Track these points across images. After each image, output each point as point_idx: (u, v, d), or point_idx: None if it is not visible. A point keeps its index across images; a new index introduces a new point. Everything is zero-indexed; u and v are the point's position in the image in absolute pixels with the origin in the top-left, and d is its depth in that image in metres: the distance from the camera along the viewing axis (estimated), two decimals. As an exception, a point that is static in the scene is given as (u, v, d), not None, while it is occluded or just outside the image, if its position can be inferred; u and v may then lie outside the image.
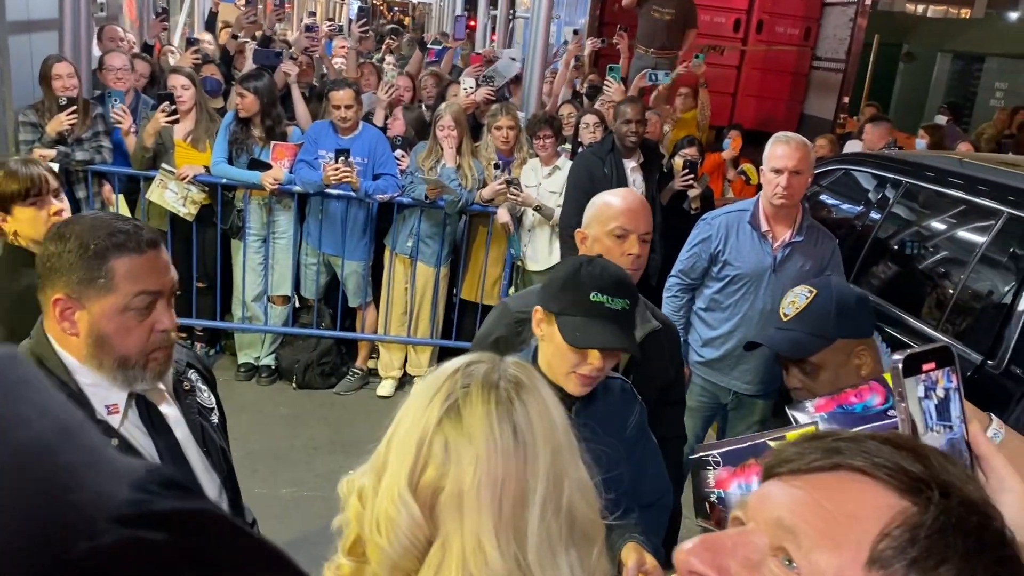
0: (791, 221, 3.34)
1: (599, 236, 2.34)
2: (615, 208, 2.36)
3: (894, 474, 0.65)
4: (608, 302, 1.75)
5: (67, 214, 2.40)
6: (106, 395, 1.58)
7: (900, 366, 0.81)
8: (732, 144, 6.28)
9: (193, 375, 1.82)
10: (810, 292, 2.03)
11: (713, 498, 1.45)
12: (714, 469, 1.46)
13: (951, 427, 0.84)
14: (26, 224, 2.39)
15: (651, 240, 2.42)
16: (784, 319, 2.05)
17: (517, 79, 6.51)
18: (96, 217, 1.63)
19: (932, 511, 0.62)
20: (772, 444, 1.42)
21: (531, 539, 0.97)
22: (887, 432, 0.71)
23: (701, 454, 1.49)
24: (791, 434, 1.43)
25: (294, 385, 5.15)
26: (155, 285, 1.58)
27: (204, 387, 1.85)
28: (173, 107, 4.66)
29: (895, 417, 1.36)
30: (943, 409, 0.83)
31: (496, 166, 4.89)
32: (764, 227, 3.35)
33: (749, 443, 1.49)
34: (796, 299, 2.04)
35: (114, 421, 1.58)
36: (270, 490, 3.97)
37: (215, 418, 1.83)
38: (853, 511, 0.64)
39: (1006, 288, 3.10)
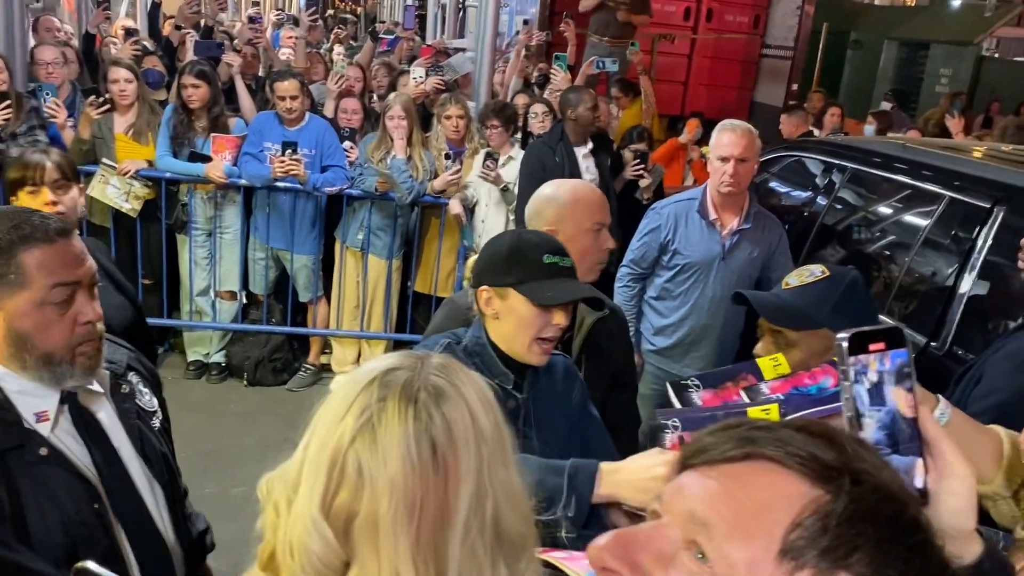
0: (739, 209, 3.38)
1: (575, 234, 2.24)
2: (594, 203, 2.32)
3: (806, 462, 0.64)
4: (561, 261, 1.77)
5: (62, 208, 2.37)
6: (35, 402, 1.52)
7: (845, 344, 0.81)
8: (688, 128, 6.29)
9: (134, 378, 1.76)
10: (823, 272, 1.94)
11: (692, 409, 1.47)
12: (671, 432, 1.48)
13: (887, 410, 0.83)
14: None
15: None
16: (784, 287, 1.97)
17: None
18: (8, 211, 1.56)
19: (843, 499, 0.61)
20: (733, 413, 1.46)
21: (452, 562, 0.92)
22: (803, 420, 0.70)
23: (661, 420, 1.51)
24: (753, 410, 1.46)
25: (245, 382, 5.07)
26: (71, 275, 1.51)
27: (146, 389, 1.79)
28: (101, 99, 4.56)
29: None
30: (875, 393, 0.82)
31: (447, 156, 4.85)
32: (712, 215, 3.38)
33: (708, 412, 1.51)
34: (804, 273, 1.96)
35: (44, 429, 1.52)
36: (221, 489, 3.90)
37: (156, 422, 1.77)
38: (765, 501, 0.62)
39: (948, 271, 3.14)
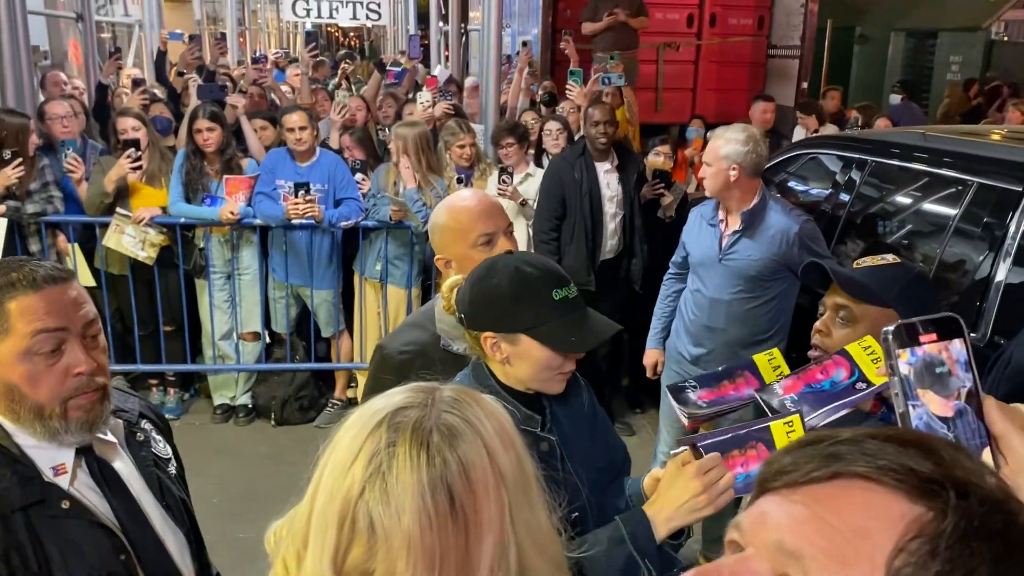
0: (743, 211, 3.36)
1: (465, 254, 2.00)
2: (474, 214, 2.02)
3: (902, 477, 0.57)
4: (570, 293, 1.59)
5: None
6: (52, 456, 1.48)
7: (890, 336, 0.77)
8: (694, 145, 6.21)
9: (147, 425, 1.72)
10: (894, 259, 2.00)
11: (696, 405, 1.50)
12: (693, 390, 1.53)
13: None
14: None
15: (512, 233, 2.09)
16: (855, 266, 2.00)
17: (475, 88, 6.49)
18: (4, 260, 1.52)
19: (951, 516, 0.55)
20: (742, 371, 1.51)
21: None
22: (889, 429, 0.63)
23: (677, 382, 1.59)
24: (775, 424, 1.44)
25: (273, 422, 5.03)
26: (56, 322, 1.43)
27: (159, 437, 1.75)
28: (139, 154, 4.56)
29: (863, 390, 1.33)
30: (910, 388, 0.78)
31: (459, 180, 4.82)
32: (719, 216, 3.43)
33: (721, 368, 1.59)
34: (877, 258, 2.00)
35: (63, 482, 1.48)
36: (256, 533, 3.82)
37: (172, 469, 1.74)
38: (861, 524, 0.56)
39: (980, 259, 3.06)
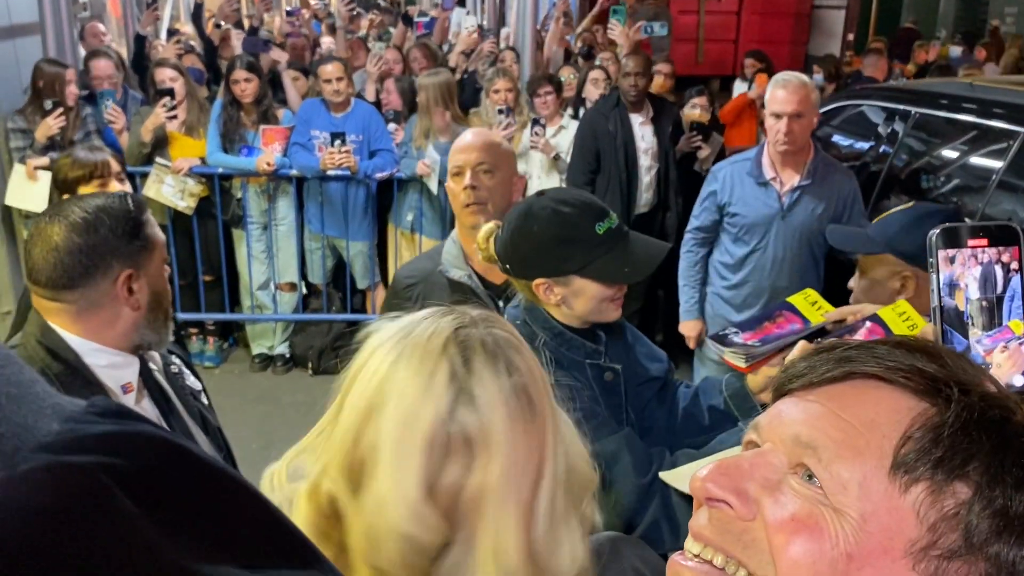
0: (800, 164, 3.26)
1: (449, 186, 2.20)
2: (455, 148, 2.20)
3: (910, 376, 0.62)
4: (612, 223, 1.60)
5: None
6: (121, 374, 1.57)
7: (935, 237, 0.86)
8: (757, 83, 6.00)
9: (176, 360, 1.81)
10: (907, 206, 2.02)
11: (748, 346, 1.50)
12: (736, 334, 1.53)
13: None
14: None
15: (492, 170, 2.15)
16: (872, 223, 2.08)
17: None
18: (91, 199, 1.60)
19: (953, 408, 0.60)
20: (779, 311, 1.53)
21: (540, 520, 0.87)
22: (898, 337, 0.69)
23: (717, 331, 1.59)
24: (793, 297, 1.55)
25: (310, 372, 5.11)
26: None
27: (188, 371, 1.84)
28: (174, 103, 4.59)
29: None
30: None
31: (500, 112, 4.73)
32: (770, 174, 3.30)
33: (758, 312, 1.62)
34: (893, 210, 2.04)
35: (130, 400, 1.57)
36: (292, 478, 3.95)
37: (204, 400, 1.83)
38: (871, 418, 0.62)
39: (1027, 213, 2.98)
